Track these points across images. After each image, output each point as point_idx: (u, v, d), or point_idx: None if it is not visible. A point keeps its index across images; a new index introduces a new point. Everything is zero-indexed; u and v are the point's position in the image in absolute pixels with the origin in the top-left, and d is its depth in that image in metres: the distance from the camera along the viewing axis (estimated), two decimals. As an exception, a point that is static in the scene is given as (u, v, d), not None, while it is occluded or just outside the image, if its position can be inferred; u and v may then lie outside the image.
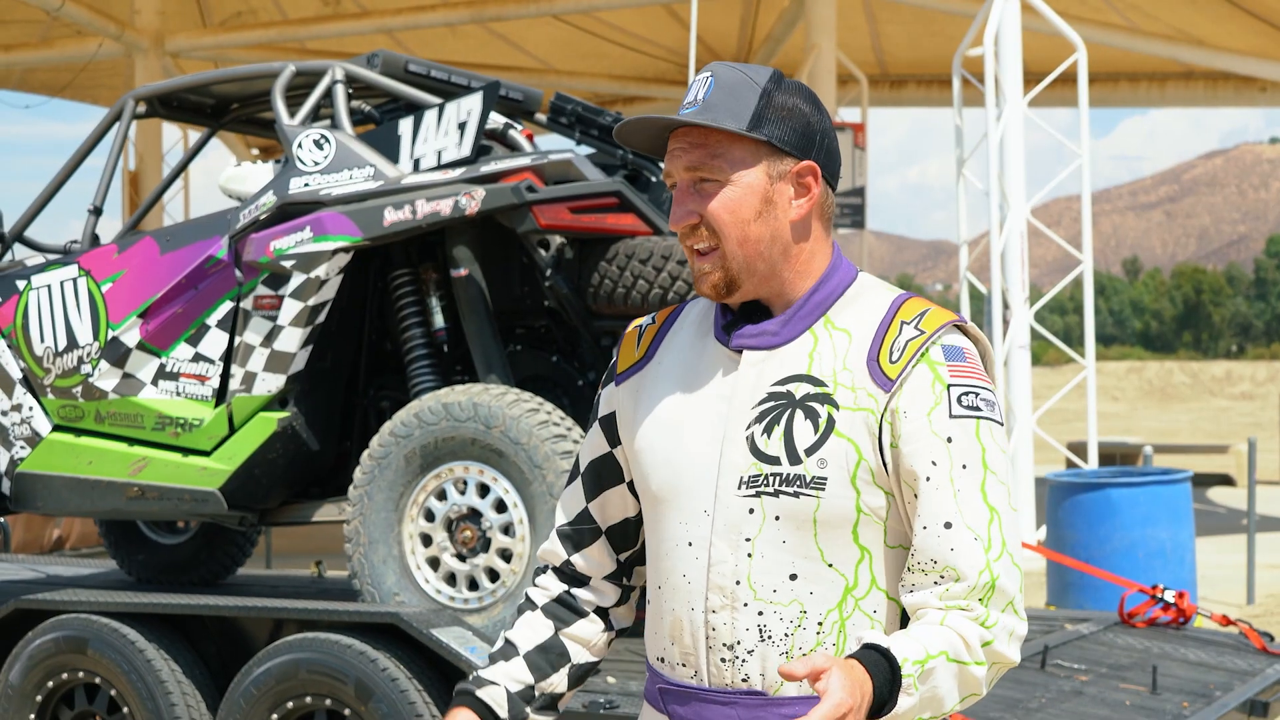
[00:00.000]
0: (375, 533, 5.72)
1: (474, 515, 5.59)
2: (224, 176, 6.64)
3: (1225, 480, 22.99)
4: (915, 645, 2.27)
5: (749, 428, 2.42)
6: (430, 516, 5.68)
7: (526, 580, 5.45)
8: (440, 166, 5.99)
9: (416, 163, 6.05)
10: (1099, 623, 6.75)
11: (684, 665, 2.46)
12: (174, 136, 22.66)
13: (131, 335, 6.37)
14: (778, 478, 2.38)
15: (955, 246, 13.91)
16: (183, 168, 7.70)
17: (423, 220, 5.82)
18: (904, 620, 2.43)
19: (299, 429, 6.13)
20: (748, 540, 2.39)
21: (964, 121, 13.91)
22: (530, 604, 2.69)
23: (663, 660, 2.50)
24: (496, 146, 6.18)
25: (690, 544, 2.44)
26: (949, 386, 2.38)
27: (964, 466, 2.36)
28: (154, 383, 6.36)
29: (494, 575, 5.57)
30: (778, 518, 2.38)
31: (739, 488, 2.41)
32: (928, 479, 2.35)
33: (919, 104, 24.84)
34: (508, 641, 2.66)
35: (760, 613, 2.39)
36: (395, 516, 5.73)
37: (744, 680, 2.40)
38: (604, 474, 2.65)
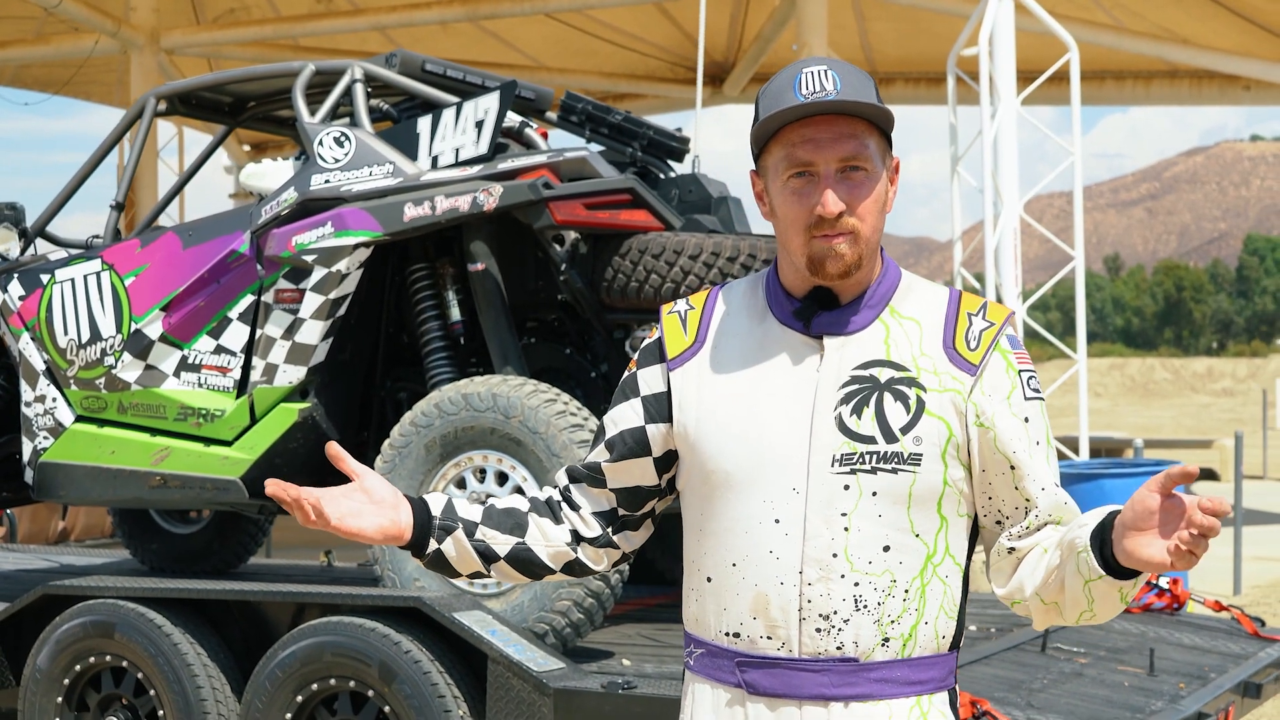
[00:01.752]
0: (396, 520, 5.85)
1: (494, 503, 5.71)
2: (244, 173, 6.78)
3: (1210, 475, 23.20)
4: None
5: (836, 409, 2.55)
6: (450, 504, 5.81)
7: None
8: (458, 164, 6.13)
9: (435, 160, 6.20)
10: (1096, 609, 6.90)
11: (768, 638, 2.57)
12: (168, 132, 22.74)
13: (154, 328, 6.51)
14: (874, 455, 2.53)
15: (937, 243, 14.03)
16: (201, 163, 7.84)
17: (442, 216, 5.97)
18: (965, 584, 2.65)
19: (319, 419, 6.28)
20: (844, 515, 2.53)
21: (958, 119, 14.07)
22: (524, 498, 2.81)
23: (737, 635, 2.60)
24: (513, 144, 6.33)
25: (778, 521, 2.55)
26: (1019, 372, 2.62)
27: (1037, 443, 2.61)
28: (176, 374, 6.51)
29: (512, 561, 5.69)
30: (874, 493, 2.53)
31: (832, 465, 2.53)
32: (1026, 452, 2.58)
33: (907, 102, 24.97)
34: (465, 517, 2.75)
35: (856, 584, 2.53)
36: (415, 504, 5.85)
37: (839, 648, 2.54)
38: (631, 444, 2.73)
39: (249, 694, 5.78)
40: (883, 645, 2.54)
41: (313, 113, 6.49)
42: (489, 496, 2.69)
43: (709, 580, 2.64)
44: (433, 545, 2.71)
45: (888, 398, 2.55)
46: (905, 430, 2.54)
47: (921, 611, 2.56)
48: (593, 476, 2.76)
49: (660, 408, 2.71)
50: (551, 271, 6.18)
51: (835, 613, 2.53)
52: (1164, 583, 6.88)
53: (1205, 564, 12.15)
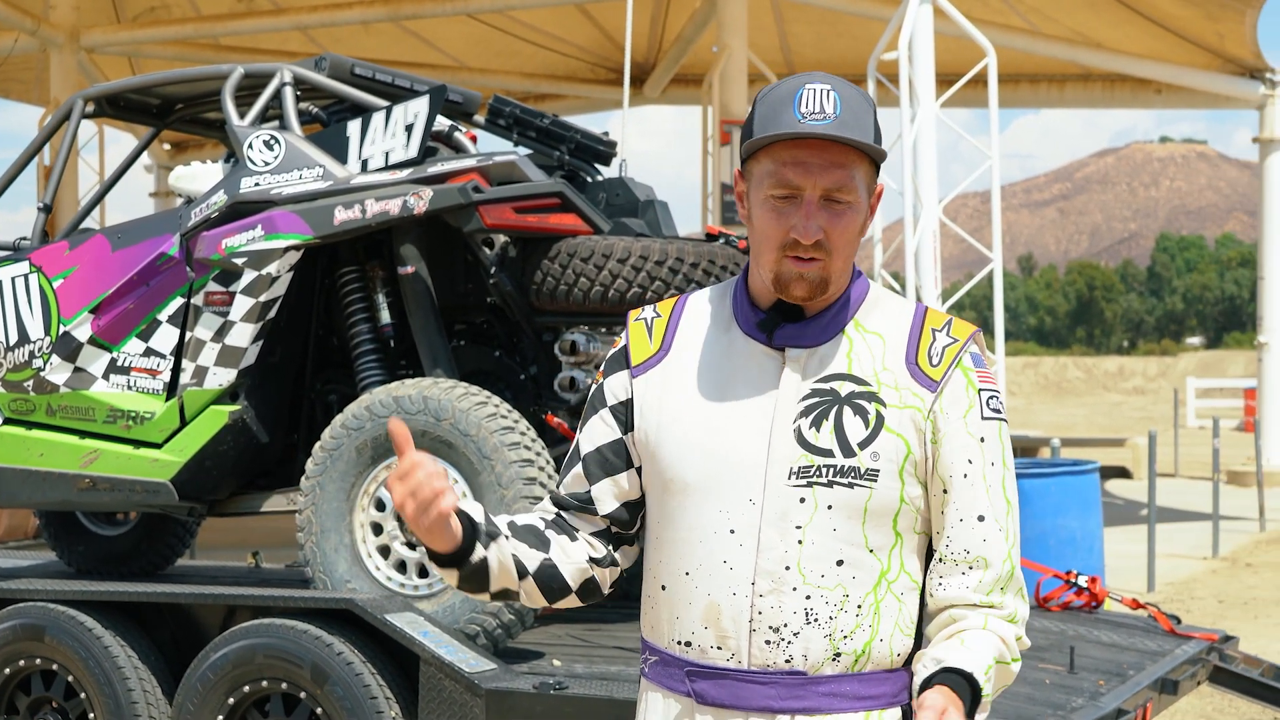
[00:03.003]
0: (327, 522, 5.89)
1: (424, 505, 5.74)
2: (173, 175, 6.78)
3: (1122, 473, 23.50)
4: (979, 658, 2.52)
5: (795, 421, 2.55)
6: (381, 506, 5.86)
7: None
8: (388, 167, 6.17)
9: (365, 163, 6.23)
10: (1016, 606, 7.01)
11: (719, 648, 2.56)
12: (89, 131, 22.57)
13: (83, 330, 6.51)
14: (831, 469, 2.53)
15: (861, 241, 14.16)
16: (128, 165, 7.82)
17: (372, 219, 6.00)
18: (922, 602, 2.63)
19: (249, 422, 6.29)
20: (798, 528, 2.52)
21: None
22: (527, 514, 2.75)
23: (689, 644, 2.59)
24: (442, 148, 6.38)
25: (733, 531, 2.54)
26: (979, 391, 2.61)
27: (992, 464, 2.59)
28: (105, 377, 6.51)
29: (443, 562, 5.73)
30: (830, 506, 2.52)
31: (789, 478, 2.53)
32: (964, 475, 2.57)
33: (826, 103, 25.08)
34: (494, 531, 2.64)
35: (808, 596, 2.52)
36: (346, 506, 5.89)
37: (787, 661, 2.53)
38: (612, 460, 2.71)
39: (180, 696, 5.79)
40: (833, 660, 2.53)
41: (242, 115, 6.50)
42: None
43: (663, 588, 2.63)
44: (479, 553, 2.61)
45: (847, 411, 2.55)
46: (863, 445, 2.53)
47: (875, 628, 2.55)
48: (583, 506, 2.73)
49: (628, 415, 2.70)
50: (481, 275, 6.22)
51: (785, 625, 2.53)
52: (1083, 581, 7.01)
53: (1120, 562, 12.35)
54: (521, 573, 2.66)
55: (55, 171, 6.97)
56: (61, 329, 6.55)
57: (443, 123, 6.46)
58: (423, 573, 5.79)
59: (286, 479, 6.58)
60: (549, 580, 2.69)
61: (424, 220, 6.06)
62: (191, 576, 7.50)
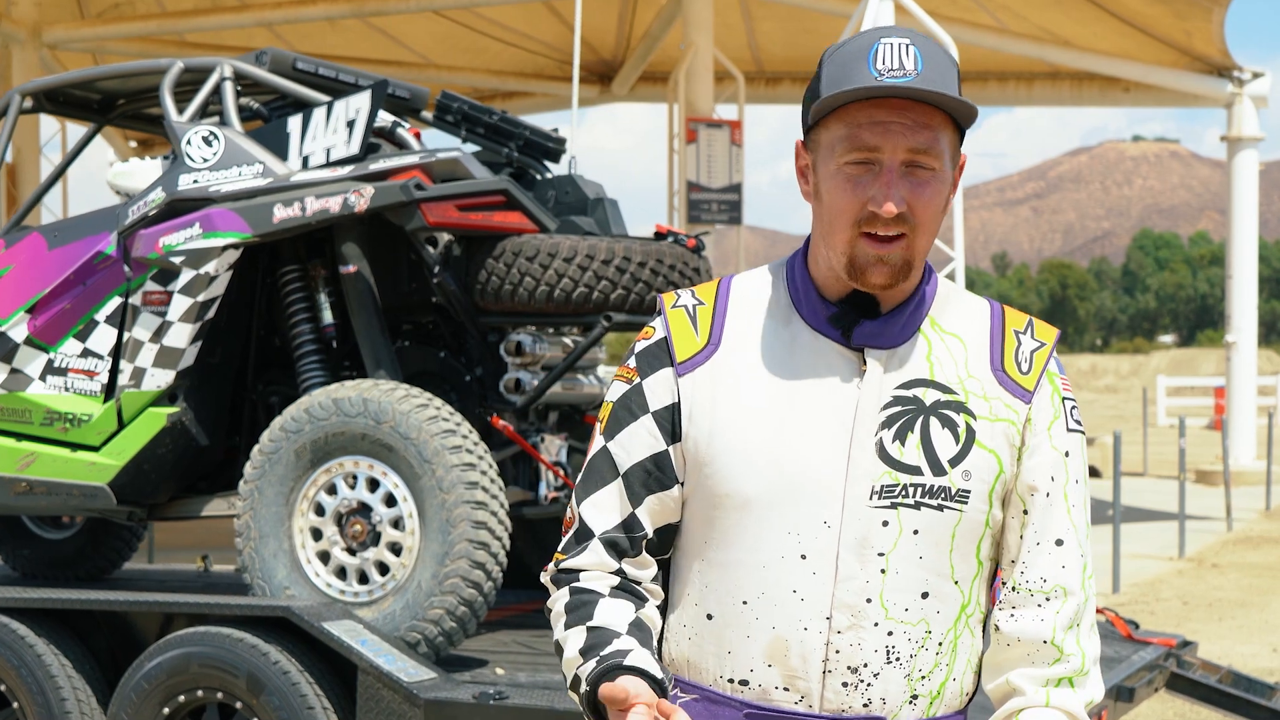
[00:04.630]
0: (266, 527, 5.77)
1: (364, 509, 5.65)
2: (111, 172, 6.65)
3: (1091, 472, 23.45)
4: None
5: (878, 433, 2.25)
6: (321, 511, 5.74)
7: (416, 573, 5.52)
8: (329, 164, 6.05)
9: (305, 160, 6.11)
10: (972, 611, 6.92)
11: (787, 689, 2.26)
12: (51, 128, 22.40)
13: (19, 330, 6.38)
14: (919, 489, 2.23)
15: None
16: (69, 162, 7.70)
17: (312, 217, 5.89)
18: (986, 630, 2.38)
19: (188, 424, 6.17)
20: (880, 555, 2.23)
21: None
22: (593, 594, 2.32)
23: (746, 684, 2.28)
24: (385, 144, 6.26)
25: (804, 557, 2.24)
26: (1064, 400, 2.34)
27: (1076, 481, 2.32)
28: (42, 378, 6.38)
29: (384, 569, 5.64)
30: (916, 531, 2.24)
31: (871, 498, 2.23)
32: (1047, 494, 2.30)
33: (794, 101, 25.02)
34: (599, 628, 2.28)
35: (890, 633, 2.24)
36: (286, 511, 5.78)
37: (865, 705, 2.25)
38: (657, 475, 2.34)
39: (114, 706, 5.67)
40: (910, 702, 2.26)
41: (181, 111, 6.37)
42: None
43: (709, 617, 2.31)
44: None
45: (934, 423, 2.25)
46: (954, 462, 2.25)
47: (951, 666, 2.29)
48: (634, 537, 2.34)
49: (674, 422, 2.33)
50: (425, 274, 6.11)
51: (865, 665, 2.24)
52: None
53: (1085, 562, 12.37)
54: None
55: (-8, 168, 6.84)
56: (-3, 329, 6.41)
57: (386, 119, 6.34)
58: (363, 579, 5.68)
59: (228, 483, 6.46)
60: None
61: (366, 218, 5.95)
62: (135, 581, 7.38)
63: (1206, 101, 22.26)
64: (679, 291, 2.40)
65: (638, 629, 2.28)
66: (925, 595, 2.25)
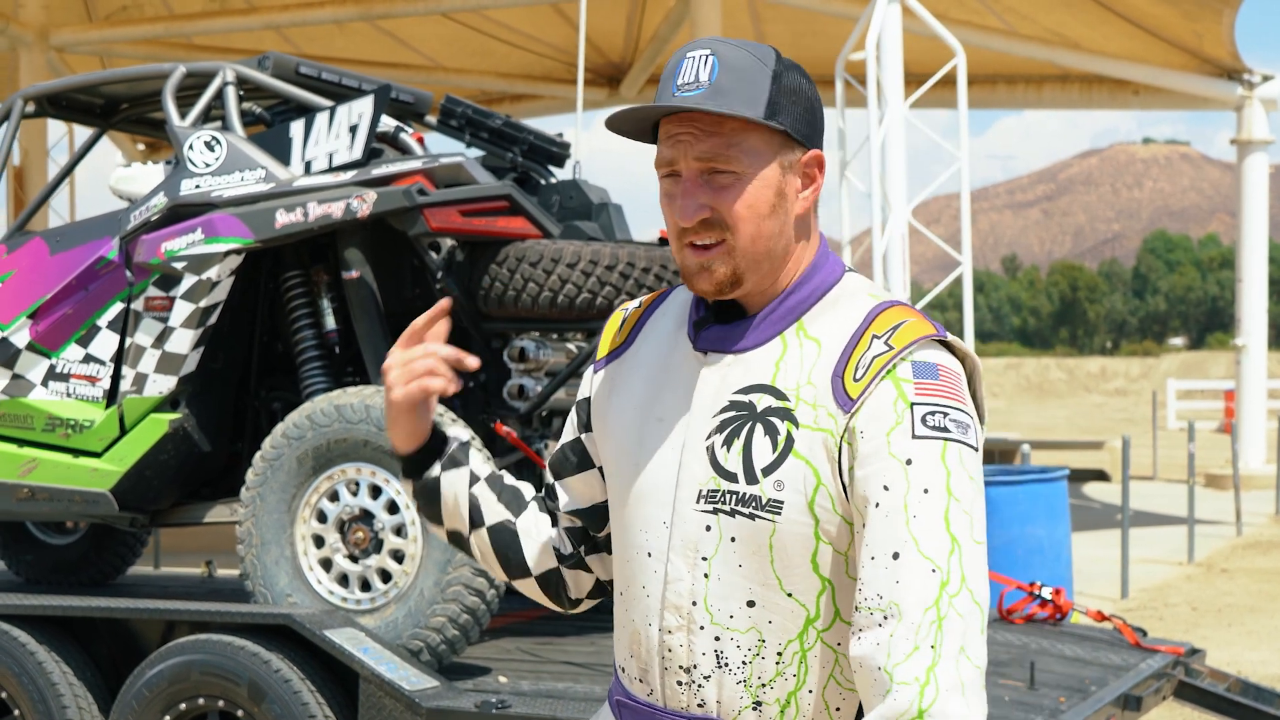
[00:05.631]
0: (268, 534, 5.74)
1: (366, 517, 5.62)
2: (114, 177, 6.62)
3: (1100, 476, 23.40)
4: None
5: (709, 437, 2.26)
6: (323, 518, 5.71)
7: (419, 581, 5.50)
8: (332, 169, 6.02)
9: (308, 165, 6.08)
10: (978, 618, 6.87)
11: (641, 681, 2.34)
12: (59, 132, 22.39)
13: (21, 336, 6.35)
14: (734, 496, 2.22)
15: (834, 242, 14.09)
16: (71, 167, 7.66)
17: (314, 223, 5.86)
18: None
19: (190, 430, 6.14)
20: (704, 560, 2.24)
21: (846, 123, 14.08)
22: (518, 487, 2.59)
23: (624, 670, 2.38)
24: (387, 149, 6.23)
25: (650, 555, 2.31)
26: (913, 405, 2.16)
27: (925, 491, 2.13)
28: (44, 384, 6.35)
29: (386, 576, 5.61)
30: (733, 539, 2.22)
31: (697, 501, 2.25)
32: (878, 505, 2.14)
33: (803, 103, 25.02)
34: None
35: (717, 638, 2.24)
36: (288, 518, 5.75)
37: (700, 705, 2.27)
38: (572, 458, 2.52)
39: (116, 714, 5.63)
40: (754, 709, 2.24)
41: (183, 115, 6.35)
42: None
43: (615, 605, 2.43)
44: (435, 470, 2.47)
45: (759, 430, 2.22)
46: (767, 471, 2.20)
47: (802, 679, 2.23)
48: (548, 499, 2.56)
49: (587, 413, 2.50)
50: (428, 279, 6.08)
51: (696, 667, 2.26)
52: (1046, 593, 6.87)
53: (1095, 567, 12.24)
54: (476, 521, 2.49)
55: (-7, 173, 6.81)
56: (-1, 335, 6.39)
57: (388, 123, 6.32)
58: (365, 586, 5.65)
59: (231, 489, 6.43)
60: (505, 547, 2.52)
61: (368, 223, 5.92)
62: (137, 588, 7.35)
63: (1216, 104, 22.20)
64: (639, 299, 2.52)
65: (500, 478, 2.53)
66: (751, 604, 2.22)
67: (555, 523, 2.55)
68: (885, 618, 2.10)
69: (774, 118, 2.23)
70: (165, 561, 11.77)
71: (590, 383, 2.49)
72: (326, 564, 5.71)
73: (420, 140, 6.40)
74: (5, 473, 6.41)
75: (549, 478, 2.56)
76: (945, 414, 2.17)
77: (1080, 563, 10.53)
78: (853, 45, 13.59)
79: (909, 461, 2.14)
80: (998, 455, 21.28)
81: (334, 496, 5.69)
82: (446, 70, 23.37)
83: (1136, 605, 12.17)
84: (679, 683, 2.28)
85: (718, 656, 2.24)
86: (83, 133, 23.06)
